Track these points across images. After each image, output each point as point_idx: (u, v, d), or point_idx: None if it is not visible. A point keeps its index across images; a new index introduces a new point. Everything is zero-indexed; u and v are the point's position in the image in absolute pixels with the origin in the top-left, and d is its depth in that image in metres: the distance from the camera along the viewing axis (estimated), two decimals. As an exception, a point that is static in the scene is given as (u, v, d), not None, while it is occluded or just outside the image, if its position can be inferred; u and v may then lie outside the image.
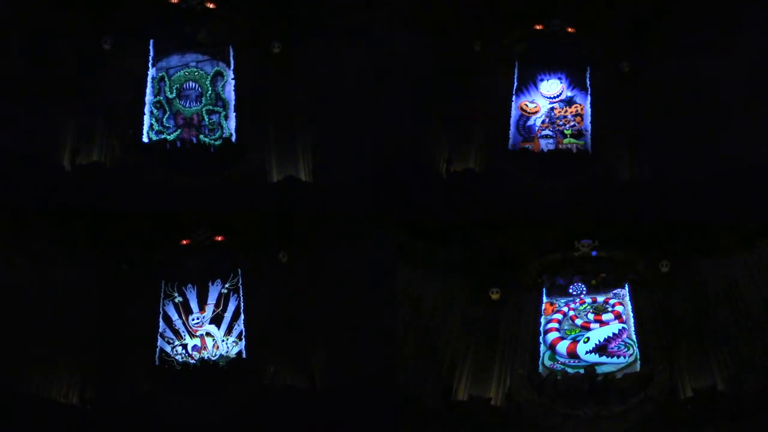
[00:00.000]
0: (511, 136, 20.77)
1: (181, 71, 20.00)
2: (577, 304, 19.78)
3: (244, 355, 18.68)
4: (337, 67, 19.73)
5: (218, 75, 20.13)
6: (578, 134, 20.88)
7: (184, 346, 18.68)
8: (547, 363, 18.78)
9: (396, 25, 19.66)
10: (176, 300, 19.08)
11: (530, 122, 20.99)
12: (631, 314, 19.28)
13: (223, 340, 18.83)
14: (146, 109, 19.62)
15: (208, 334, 18.86)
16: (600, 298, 19.79)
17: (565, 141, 20.82)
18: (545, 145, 20.80)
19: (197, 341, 18.75)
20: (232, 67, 20.18)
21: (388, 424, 16.95)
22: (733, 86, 19.53)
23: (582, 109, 21.04)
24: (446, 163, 19.77)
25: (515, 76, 21.11)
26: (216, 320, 19.00)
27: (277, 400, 17.81)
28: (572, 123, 20.94)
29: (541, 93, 21.14)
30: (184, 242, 19.19)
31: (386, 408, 17.03)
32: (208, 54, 20.16)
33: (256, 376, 18.19)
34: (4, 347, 16.85)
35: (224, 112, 19.99)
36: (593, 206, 19.43)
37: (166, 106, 19.78)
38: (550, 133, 20.92)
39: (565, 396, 17.71)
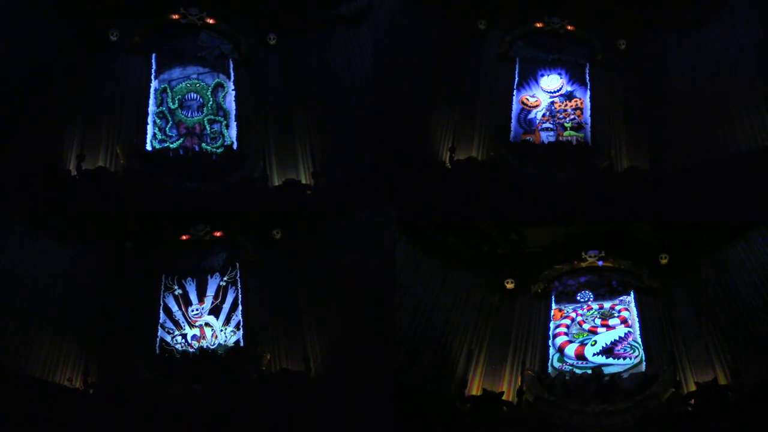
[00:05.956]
0: (512, 128, 22.25)
1: (183, 83, 22.02)
2: (585, 310, 20.97)
3: (241, 344, 19.98)
4: (338, 58, 21.78)
5: (219, 86, 22.11)
6: (578, 127, 22.33)
7: (184, 336, 20.06)
8: (556, 365, 19.79)
9: (398, 15, 21.60)
10: (176, 292, 20.60)
11: (531, 115, 22.51)
12: (637, 319, 20.38)
13: (221, 330, 20.20)
14: (149, 119, 21.56)
15: (207, 324, 20.24)
16: (606, 305, 20.95)
17: (566, 133, 22.29)
18: (546, 137, 22.29)
19: (196, 331, 20.14)
20: (232, 78, 22.20)
21: (386, 413, 17.89)
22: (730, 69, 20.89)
23: (582, 103, 22.55)
24: (449, 152, 21.25)
25: (516, 72, 22.81)
26: (215, 311, 20.43)
27: (274, 387, 19.03)
28: (572, 116, 22.44)
29: (541, 87, 22.75)
30: (184, 237, 20.85)
31: (385, 397, 17.98)
32: (209, 66, 22.20)
33: (254, 364, 19.39)
34: (13, 334, 18.43)
35: (225, 122, 21.87)
36: (592, 195, 20.80)
37: (168, 116, 21.68)
38: (551, 125, 22.43)
39: (574, 394, 18.67)
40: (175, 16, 22.09)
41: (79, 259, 20.08)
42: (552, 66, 22.90)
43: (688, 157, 20.68)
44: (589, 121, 22.39)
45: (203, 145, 21.59)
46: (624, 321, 20.39)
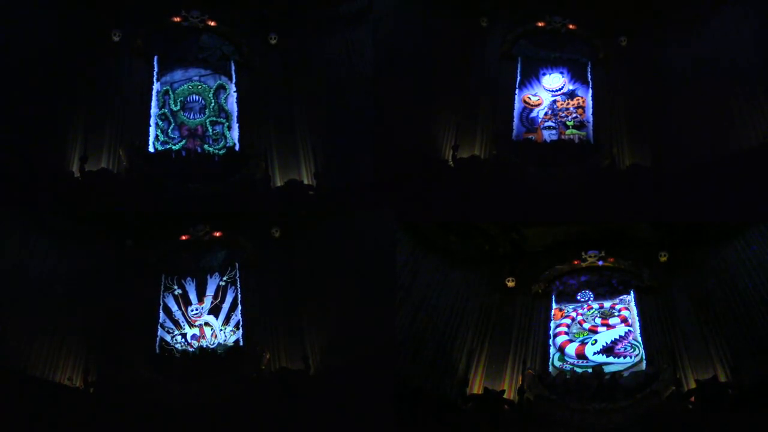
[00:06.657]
0: (514, 127, 22.44)
1: (185, 85, 22.28)
2: (585, 309, 21.11)
3: (241, 343, 20.20)
4: (338, 58, 22.06)
5: (221, 88, 22.35)
6: (580, 125, 22.49)
7: (184, 335, 20.32)
8: (557, 364, 19.92)
9: (398, 15, 21.80)
10: (176, 292, 20.89)
11: (533, 114, 22.67)
12: (637, 318, 20.50)
13: (221, 330, 20.45)
14: (151, 121, 21.80)
15: (206, 323, 20.50)
16: (607, 304, 21.09)
17: (568, 132, 22.42)
18: (548, 135, 22.43)
19: (196, 330, 20.40)
20: (234, 80, 22.45)
21: (386, 413, 17.98)
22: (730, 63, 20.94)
23: (583, 101, 22.69)
24: (452, 150, 21.35)
25: (518, 71, 23.00)
26: (214, 311, 20.70)
27: (274, 386, 19.15)
28: (574, 115, 22.57)
29: (543, 86, 22.91)
30: (184, 238, 21.16)
31: (385, 397, 18.08)
32: (211, 68, 22.47)
33: (253, 363, 19.62)
34: (14, 334, 18.73)
35: (227, 123, 22.11)
36: (594, 193, 20.88)
37: (170, 117, 21.92)
38: (553, 124, 22.55)
39: (575, 393, 18.75)
40: (177, 19, 22.39)
41: (79, 259, 20.37)
42: (554, 64, 23.10)
43: (690, 155, 20.71)
44: (591, 119, 22.55)
45: (205, 146, 21.82)
46: (624, 320, 20.50)
